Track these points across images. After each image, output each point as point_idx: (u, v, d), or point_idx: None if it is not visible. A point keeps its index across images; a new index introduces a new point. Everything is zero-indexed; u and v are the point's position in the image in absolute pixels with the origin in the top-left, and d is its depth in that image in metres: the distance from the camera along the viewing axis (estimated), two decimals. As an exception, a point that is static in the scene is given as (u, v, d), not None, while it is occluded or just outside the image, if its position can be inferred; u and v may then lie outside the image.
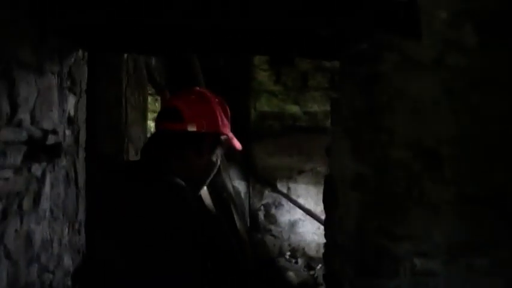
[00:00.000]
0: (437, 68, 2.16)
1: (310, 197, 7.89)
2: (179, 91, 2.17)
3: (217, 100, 2.01)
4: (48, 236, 2.54)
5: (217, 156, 1.99)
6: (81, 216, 2.99)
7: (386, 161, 2.08)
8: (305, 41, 2.56)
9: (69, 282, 2.81)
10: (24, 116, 2.25)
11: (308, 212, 7.85)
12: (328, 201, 2.56)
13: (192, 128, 1.85)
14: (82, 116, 3.05)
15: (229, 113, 2.07)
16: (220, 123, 1.96)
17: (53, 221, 2.56)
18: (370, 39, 2.20)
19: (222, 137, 1.98)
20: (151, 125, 7.45)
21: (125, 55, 4.31)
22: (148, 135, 6.91)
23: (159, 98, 7.34)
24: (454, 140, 2.14)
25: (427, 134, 2.10)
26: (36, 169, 2.46)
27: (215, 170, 1.99)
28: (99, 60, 4.17)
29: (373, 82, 2.14)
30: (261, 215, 7.94)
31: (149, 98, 7.16)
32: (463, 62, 2.17)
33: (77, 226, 2.90)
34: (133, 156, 4.56)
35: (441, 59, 2.16)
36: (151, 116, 7.48)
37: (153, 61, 6.33)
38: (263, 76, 7.94)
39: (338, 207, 2.40)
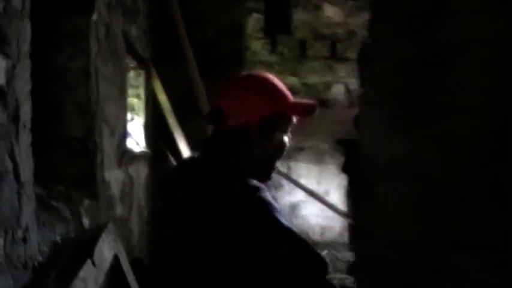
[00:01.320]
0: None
1: (312, 176, 7.40)
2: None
3: (260, 78, 1.88)
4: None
5: (285, 133, 1.88)
6: (28, 219, 2.29)
7: (451, 135, 1.39)
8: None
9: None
10: None
11: (310, 193, 7.34)
12: (356, 193, 1.86)
13: (238, 122, 1.79)
14: (23, 87, 2.32)
15: (281, 85, 1.94)
16: (270, 102, 1.82)
17: (-27, 233, 1.88)
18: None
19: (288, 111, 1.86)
20: (133, 101, 6.76)
21: (94, 17, 3.59)
22: (129, 112, 6.24)
23: (142, 73, 6.60)
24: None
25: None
26: None
27: (285, 149, 1.90)
28: (58, 23, 3.47)
29: (432, 16, 1.42)
30: (260, 197, 7.27)
31: (132, 73, 6.46)
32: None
33: (20, 234, 2.21)
34: (108, 137, 3.86)
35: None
36: (134, 92, 6.78)
37: (134, 30, 5.62)
38: (257, 45, 7.33)
39: (372, 202, 1.71)
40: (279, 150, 1.87)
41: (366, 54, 1.80)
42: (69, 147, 3.51)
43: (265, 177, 1.89)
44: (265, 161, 1.85)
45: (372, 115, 1.75)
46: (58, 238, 2.76)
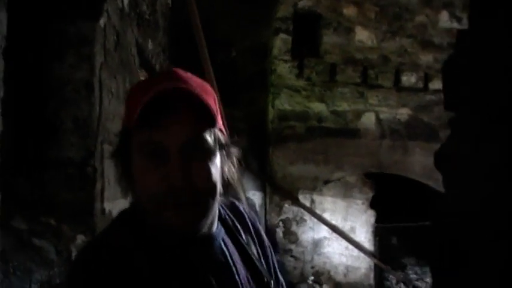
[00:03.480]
0: None
1: (338, 211, 6.90)
2: None
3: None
4: None
5: (143, 155, 1.27)
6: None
7: None
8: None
9: None
10: None
11: (335, 230, 6.85)
12: (444, 255, 1.29)
13: None
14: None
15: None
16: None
17: None
18: None
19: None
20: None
21: (101, 22, 3.11)
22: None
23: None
24: None
25: None
26: None
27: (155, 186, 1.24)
28: (62, 27, 3.01)
29: None
30: (280, 232, 6.87)
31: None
32: None
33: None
34: (110, 161, 3.34)
35: None
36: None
37: (151, 45, 5.16)
38: (283, 68, 6.86)
39: (468, 268, 1.14)
40: (143, 186, 1.27)
41: (461, 59, 1.19)
42: (66, 172, 3.01)
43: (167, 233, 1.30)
44: (145, 206, 1.28)
45: (467, 151, 1.19)
46: (36, 287, 2.23)
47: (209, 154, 1.28)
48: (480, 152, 1.12)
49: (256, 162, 6.74)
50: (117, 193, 3.57)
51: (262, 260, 1.51)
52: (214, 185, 1.29)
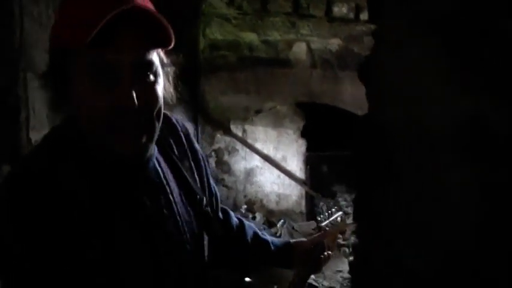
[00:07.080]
0: None
1: (270, 141, 6.95)
2: None
3: None
4: None
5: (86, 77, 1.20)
6: None
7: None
8: None
9: None
10: None
11: (267, 159, 6.94)
12: (368, 170, 1.31)
13: None
14: None
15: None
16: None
17: None
18: None
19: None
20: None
21: None
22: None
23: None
24: None
25: None
26: None
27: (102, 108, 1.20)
28: None
29: None
30: (212, 162, 6.89)
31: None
32: None
33: None
34: (38, 89, 3.24)
35: None
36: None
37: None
38: (214, -3, 6.68)
39: (393, 182, 1.17)
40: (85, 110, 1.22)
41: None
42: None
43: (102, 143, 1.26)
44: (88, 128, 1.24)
45: (394, 61, 1.20)
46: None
47: (156, 75, 1.27)
48: (403, 57, 1.15)
49: (187, 93, 6.68)
50: (44, 122, 3.49)
51: (196, 175, 1.52)
52: (161, 108, 1.29)
